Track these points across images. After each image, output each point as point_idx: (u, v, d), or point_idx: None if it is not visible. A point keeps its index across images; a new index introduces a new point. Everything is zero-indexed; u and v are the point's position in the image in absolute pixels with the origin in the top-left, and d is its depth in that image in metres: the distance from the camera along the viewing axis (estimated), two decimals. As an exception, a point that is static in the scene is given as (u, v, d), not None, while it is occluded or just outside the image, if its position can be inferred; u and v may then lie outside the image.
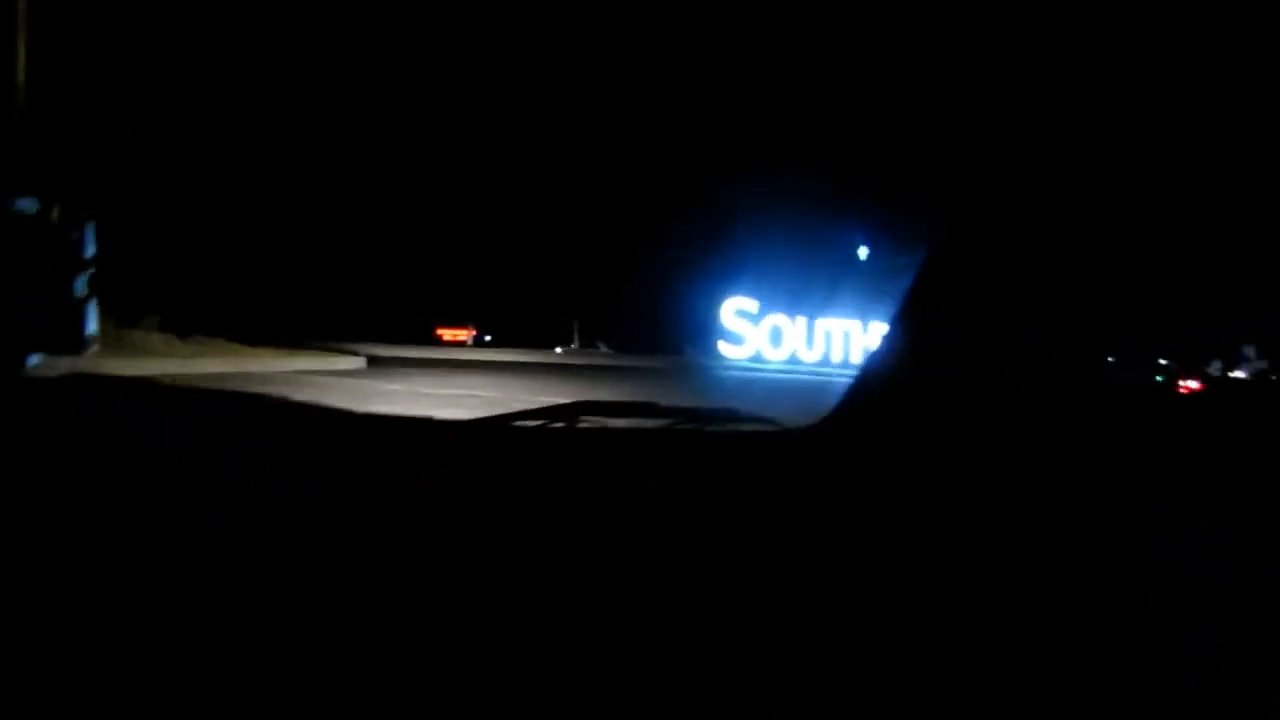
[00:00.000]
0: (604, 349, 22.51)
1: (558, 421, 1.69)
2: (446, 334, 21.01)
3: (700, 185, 21.47)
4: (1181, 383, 16.02)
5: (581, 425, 1.68)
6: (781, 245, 21.34)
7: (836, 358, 21.53)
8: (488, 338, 21.42)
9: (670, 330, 21.32)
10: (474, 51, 20.13)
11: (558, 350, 21.97)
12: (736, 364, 21.44)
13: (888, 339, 1.64)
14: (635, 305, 21.26)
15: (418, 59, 19.16)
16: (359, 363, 13.50)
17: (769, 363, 21.43)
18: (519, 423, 1.70)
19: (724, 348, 21.85)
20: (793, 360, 21.22)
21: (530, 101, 21.05)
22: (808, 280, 22.14)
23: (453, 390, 10.56)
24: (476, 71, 20.31)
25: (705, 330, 21.61)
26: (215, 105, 15.92)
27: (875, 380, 1.55)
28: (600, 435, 1.64)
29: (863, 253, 22.78)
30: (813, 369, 20.54)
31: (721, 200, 21.20)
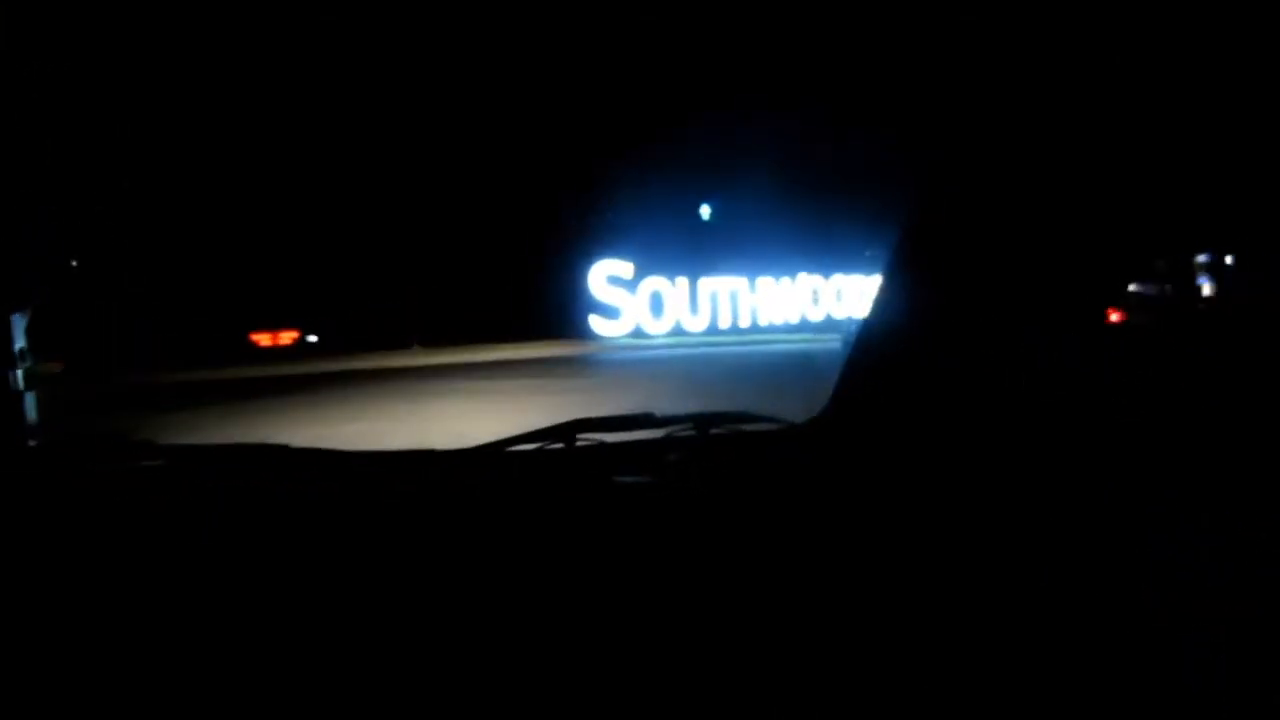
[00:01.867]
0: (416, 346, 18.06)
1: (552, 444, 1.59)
2: (264, 340, 17.41)
3: (550, 135, 18.27)
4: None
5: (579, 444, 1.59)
6: (651, 196, 18.32)
7: (724, 324, 18.71)
8: (311, 339, 17.89)
9: (530, 311, 18.20)
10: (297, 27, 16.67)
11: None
12: (617, 341, 18.52)
13: (878, 310, 1.40)
14: (482, 288, 18.07)
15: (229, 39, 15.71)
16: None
17: (654, 336, 18.52)
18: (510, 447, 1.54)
19: (597, 324, 18.85)
20: (678, 330, 18.33)
21: (346, 68, 17.61)
22: (687, 234, 19.21)
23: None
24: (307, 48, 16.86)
25: (571, 305, 18.50)
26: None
27: (870, 363, 1.43)
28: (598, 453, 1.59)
29: (705, 212, 19.82)
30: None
31: (576, 152, 18.04)
